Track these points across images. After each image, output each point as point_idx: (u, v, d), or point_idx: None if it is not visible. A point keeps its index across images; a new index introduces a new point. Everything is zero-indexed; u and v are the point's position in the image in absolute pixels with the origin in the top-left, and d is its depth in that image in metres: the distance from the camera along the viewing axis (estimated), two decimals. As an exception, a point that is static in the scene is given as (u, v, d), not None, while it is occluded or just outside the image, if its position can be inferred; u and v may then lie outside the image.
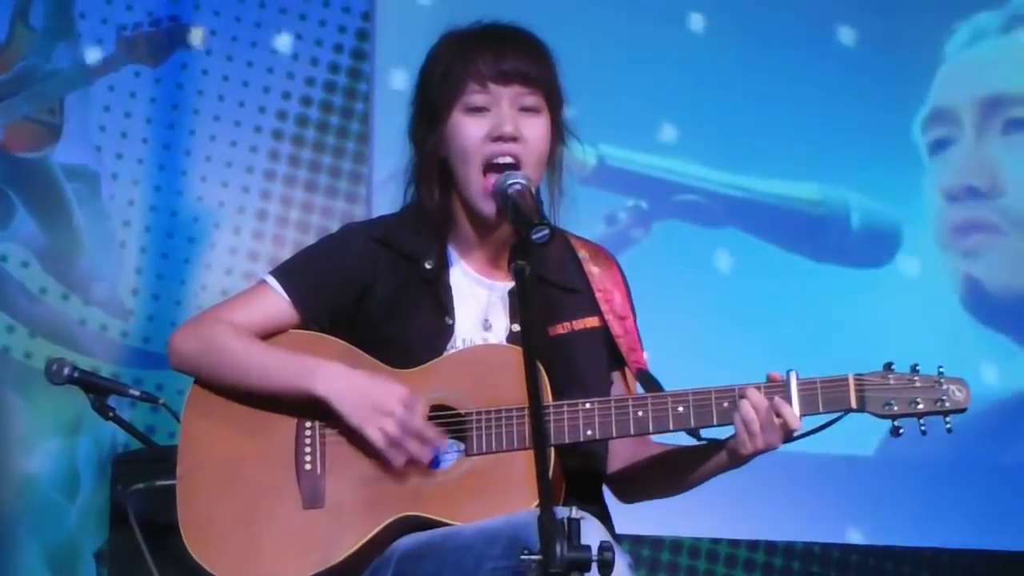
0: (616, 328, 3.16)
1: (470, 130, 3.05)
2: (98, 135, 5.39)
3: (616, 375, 3.20)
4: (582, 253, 3.22)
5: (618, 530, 3.11)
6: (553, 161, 3.12)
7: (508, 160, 3.04)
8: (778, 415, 2.93)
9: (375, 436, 2.96)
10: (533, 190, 2.95)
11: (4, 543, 5.18)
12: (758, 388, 2.95)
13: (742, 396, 2.94)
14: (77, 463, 5.25)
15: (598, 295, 3.18)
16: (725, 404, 2.96)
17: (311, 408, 3.02)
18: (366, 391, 2.98)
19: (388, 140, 5.45)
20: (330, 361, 3.02)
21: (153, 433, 4.84)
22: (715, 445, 3.03)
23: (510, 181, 2.92)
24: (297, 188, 5.55)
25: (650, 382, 3.09)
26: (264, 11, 5.57)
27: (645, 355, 3.19)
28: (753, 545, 5.78)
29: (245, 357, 3.06)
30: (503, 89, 3.05)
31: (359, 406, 2.98)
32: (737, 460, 3.00)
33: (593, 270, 3.21)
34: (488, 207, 3.04)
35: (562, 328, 3.13)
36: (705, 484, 3.12)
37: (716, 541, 5.74)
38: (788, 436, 2.95)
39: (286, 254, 3.25)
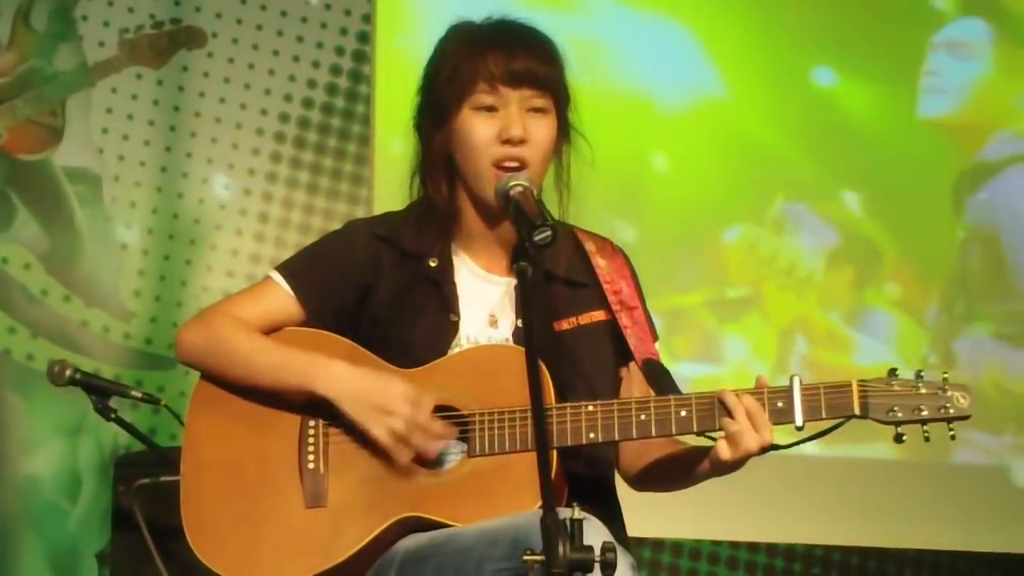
0: (624, 319, 3.14)
1: (479, 129, 3.05)
2: (100, 137, 5.39)
3: (623, 371, 3.18)
4: (588, 246, 3.21)
5: (619, 532, 3.11)
6: (560, 159, 3.12)
7: (515, 164, 3.04)
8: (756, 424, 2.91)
9: (381, 435, 2.96)
10: (535, 192, 2.96)
11: (5, 544, 5.18)
12: (758, 394, 2.94)
13: (721, 400, 2.93)
14: (78, 465, 5.25)
15: (605, 287, 3.17)
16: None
17: (315, 407, 3.03)
18: (370, 391, 2.98)
19: (389, 142, 5.47)
20: (334, 360, 3.02)
21: (155, 435, 4.84)
22: (706, 449, 3.00)
23: (512, 183, 2.93)
24: (299, 190, 5.55)
25: (659, 372, 3.08)
26: (265, 13, 5.57)
27: (657, 345, 3.18)
28: (753, 547, 5.78)
29: (250, 353, 3.06)
30: (512, 91, 3.05)
31: (363, 406, 2.97)
32: (720, 466, 2.96)
33: (600, 263, 3.19)
34: None
35: (568, 323, 3.12)
36: (704, 486, 3.10)
37: (717, 543, 5.75)
38: (765, 443, 2.91)
39: (288, 256, 3.26)
